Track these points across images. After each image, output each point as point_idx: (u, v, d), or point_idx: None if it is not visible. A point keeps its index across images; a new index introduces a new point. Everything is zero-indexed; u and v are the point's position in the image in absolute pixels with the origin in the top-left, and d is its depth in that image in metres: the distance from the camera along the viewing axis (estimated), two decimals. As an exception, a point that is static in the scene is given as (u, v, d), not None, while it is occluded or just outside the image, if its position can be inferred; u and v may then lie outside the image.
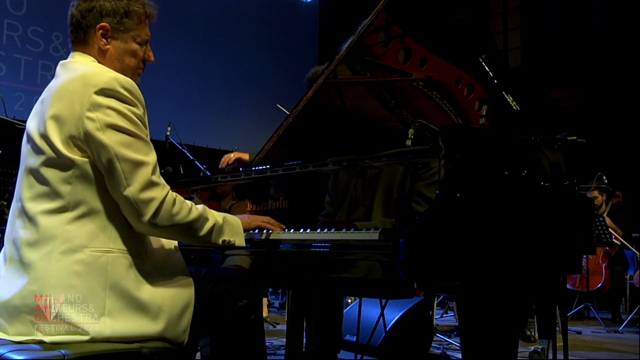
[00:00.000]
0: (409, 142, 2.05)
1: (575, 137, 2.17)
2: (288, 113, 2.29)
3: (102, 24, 1.61)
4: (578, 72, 8.23)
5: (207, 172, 3.26)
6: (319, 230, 1.82)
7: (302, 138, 2.37)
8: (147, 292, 1.49)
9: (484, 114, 2.18)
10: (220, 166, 2.61)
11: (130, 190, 1.43)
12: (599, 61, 8.07)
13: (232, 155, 2.61)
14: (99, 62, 1.61)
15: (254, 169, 2.32)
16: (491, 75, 2.31)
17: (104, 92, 1.46)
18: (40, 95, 1.61)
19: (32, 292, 1.41)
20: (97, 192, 1.47)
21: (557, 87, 8.27)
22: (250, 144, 3.61)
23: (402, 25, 2.29)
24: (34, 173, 1.49)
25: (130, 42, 1.65)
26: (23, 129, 1.59)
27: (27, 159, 1.53)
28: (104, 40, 1.62)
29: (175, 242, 1.68)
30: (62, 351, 1.33)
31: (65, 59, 1.67)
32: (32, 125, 1.54)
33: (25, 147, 1.56)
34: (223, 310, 1.70)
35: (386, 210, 1.80)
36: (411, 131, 2.07)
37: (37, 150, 1.49)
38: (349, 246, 1.69)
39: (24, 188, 1.52)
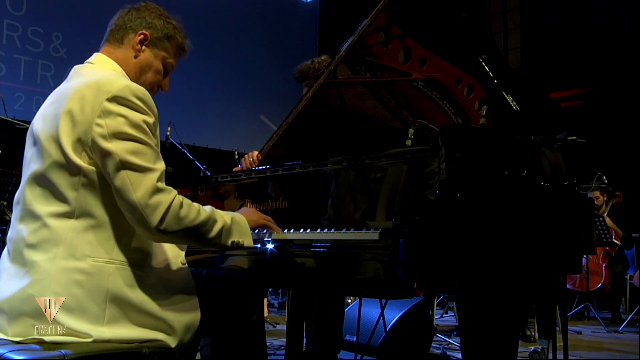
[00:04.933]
0: (409, 142, 2.05)
1: (575, 137, 2.17)
2: (272, 125, 2.31)
3: (145, 32, 1.68)
4: (578, 72, 8.23)
5: (207, 172, 3.26)
6: (318, 230, 1.82)
7: (302, 138, 2.37)
8: (150, 304, 1.47)
9: (484, 114, 2.18)
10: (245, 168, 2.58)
11: (137, 197, 1.41)
12: (599, 61, 8.07)
13: (254, 155, 2.57)
14: (121, 66, 1.64)
15: (254, 169, 2.32)
16: (491, 75, 2.31)
17: (116, 99, 1.45)
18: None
19: (32, 296, 1.40)
20: (102, 201, 1.46)
21: (557, 87, 8.27)
22: (250, 144, 3.62)
23: (402, 25, 2.29)
24: (40, 177, 1.47)
25: (158, 61, 1.71)
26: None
27: (32, 163, 1.50)
28: (139, 45, 1.67)
29: (182, 258, 1.65)
30: (62, 351, 1.32)
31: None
32: (39, 126, 1.52)
33: (29, 151, 1.54)
34: (224, 311, 1.69)
35: (386, 210, 1.80)
36: (411, 131, 2.07)
37: (44, 153, 1.46)
38: (349, 246, 1.69)
39: (28, 192, 1.49)
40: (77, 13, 6.76)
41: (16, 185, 3.36)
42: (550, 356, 3.22)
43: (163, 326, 1.49)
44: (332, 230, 1.76)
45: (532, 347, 3.77)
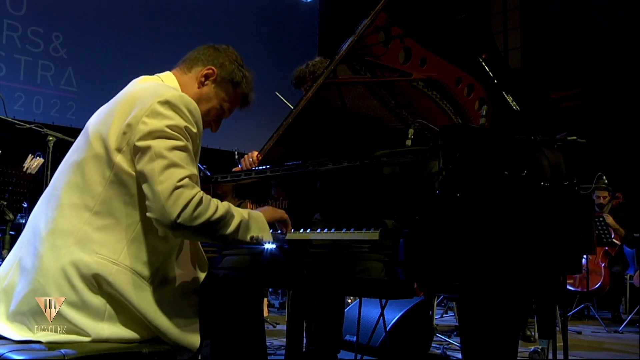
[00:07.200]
0: (409, 142, 2.05)
1: (575, 137, 2.17)
2: (287, 102, 2.32)
3: (214, 68, 1.73)
4: (578, 72, 8.22)
5: (207, 172, 3.26)
6: (318, 230, 1.82)
7: (302, 138, 2.37)
8: (150, 314, 1.47)
9: (484, 114, 2.18)
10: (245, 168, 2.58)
11: (161, 188, 1.42)
12: (599, 61, 8.07)
13: (254, 155, 2.57)
14: (182, 90, 1.67)
15: (253, 169, 2.32)
16: (491, 75, 2.31)
17: (167, 103, 1.50)
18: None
19: (34, 290, 1.42)
20: (124, 203, 1.48)
21: (557, 87, 8.27)
22: (250, 144, 3.62)
23: (402, 25, 2.29)
24: (76, 166, 1.52)
25: (217, 100, 1.76)
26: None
27: (75, 153, 1.57)
28: (204, 78, 1.73)
29: (197, 285, 1.65)
30: (62, 351, 1.33)
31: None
32: (92, 121, 1.59)
33: (77, 142, 1.60)
34: (224, 311, 1.69)
35: (386, 210, 1.80)
36: (411, 131, 2.07)
37: (88, 145, 1.52)
38: (348, 246, 1.69)
39: (60, 178, 1.55)
40: (77, 13, 6.76)
41: (16, 186, 3.37)
42: (550, 356, 3.22)
43: (159, 333, 1.49)
44: (332, 230, 1.77)
45: (532, 347, 3.77)
